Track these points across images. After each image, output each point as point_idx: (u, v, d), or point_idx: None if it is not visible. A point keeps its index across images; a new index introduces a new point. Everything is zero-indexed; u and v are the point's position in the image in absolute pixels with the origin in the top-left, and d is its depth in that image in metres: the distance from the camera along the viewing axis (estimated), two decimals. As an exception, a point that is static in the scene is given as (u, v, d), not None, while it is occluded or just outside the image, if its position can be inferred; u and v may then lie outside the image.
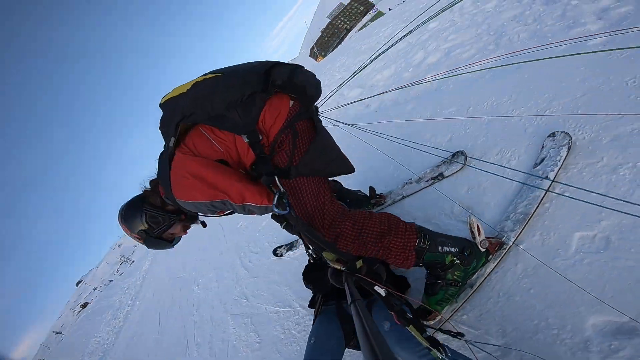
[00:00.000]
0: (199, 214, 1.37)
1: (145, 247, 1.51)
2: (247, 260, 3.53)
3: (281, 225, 1.43)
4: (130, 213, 1.43)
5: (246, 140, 1.19)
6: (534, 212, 1.26)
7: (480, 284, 1.28)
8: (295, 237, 2.76)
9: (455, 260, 1.29)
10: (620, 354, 0.88)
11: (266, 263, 3.07)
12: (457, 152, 1.86)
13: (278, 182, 1.20)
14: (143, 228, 1.42)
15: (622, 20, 1.83)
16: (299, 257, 2.58)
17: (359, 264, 1.22)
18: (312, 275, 1.71)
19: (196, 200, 1.21)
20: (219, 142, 1.23)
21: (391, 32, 6.75)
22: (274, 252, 2.93)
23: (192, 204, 1.23)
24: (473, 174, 1.70)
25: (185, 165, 1.21)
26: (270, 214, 1.24)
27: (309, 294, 1.82)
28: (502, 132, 1.74)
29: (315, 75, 1.35)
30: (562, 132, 1.43)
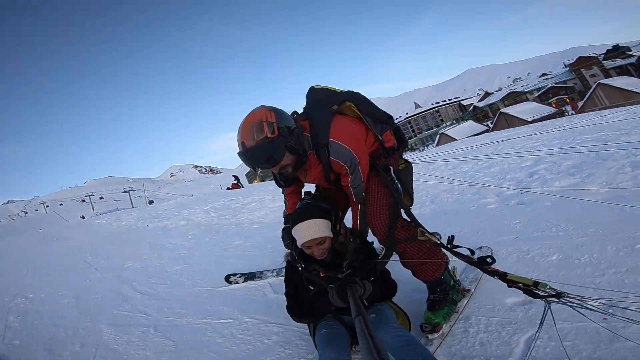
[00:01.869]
0: (323, 159, 1.70)
1: (250, 155, 1.56)
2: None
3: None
4: (284, 113, 1.65)
5: (380, 138, 1.83)
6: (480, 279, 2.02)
7: (462, 309, 1.83)
8: (259, 269, 2.99)
9: (455, 285, 1.84)
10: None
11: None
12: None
13: (393, 173, 1.80)
14: (286, 131, 1.57)
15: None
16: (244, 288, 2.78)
17: (449, 240, 1.64)
18: (301, 308, 1.70)
19: (346, 145, 1.66)
20: (362, 130, 1.82)
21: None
22: (227, 279, 2.94)
23: (340, 146, 1.66)
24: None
25: (352, 123, 1.78)
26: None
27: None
28: None
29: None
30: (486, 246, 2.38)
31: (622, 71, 33.22)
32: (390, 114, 1.93)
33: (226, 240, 4.60)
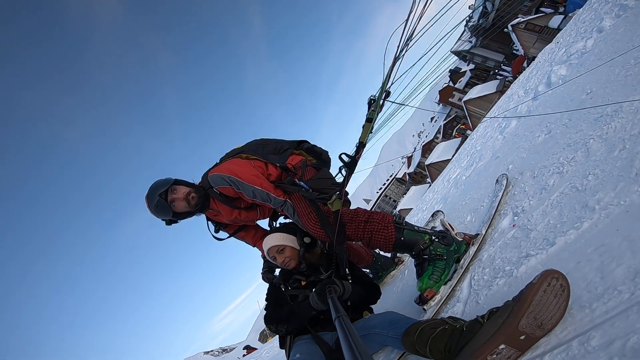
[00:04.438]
0: (213, 190, 2.08)
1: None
2: None
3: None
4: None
5: (279, 165, 2.18)
6: (493, 217, 2.03)
7: (469, 263, 1.67)
8: None
9: (433, 238, 1.71)
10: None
11: None
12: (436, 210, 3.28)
13: (299, 182, 2.04)
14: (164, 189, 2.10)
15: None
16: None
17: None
18: (281, 313, 1.78)
19: (217, 172, 2.02)
20: (256, 166, 2.15)
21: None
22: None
23: (213, 176, 2.03)
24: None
25: (233, 159, 2.16)
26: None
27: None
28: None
29: (328, 151, 2.45)
30: (502, 174, 2.49)
31: (471, 85, 40.77)
32: (301, 139, 2.42)
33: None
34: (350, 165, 1.70)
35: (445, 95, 51.07)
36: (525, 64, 25.89)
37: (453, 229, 1.78)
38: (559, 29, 21.66)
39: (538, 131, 2.87)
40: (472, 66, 42.09)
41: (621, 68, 2.29)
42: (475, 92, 33.31)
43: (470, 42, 40.04)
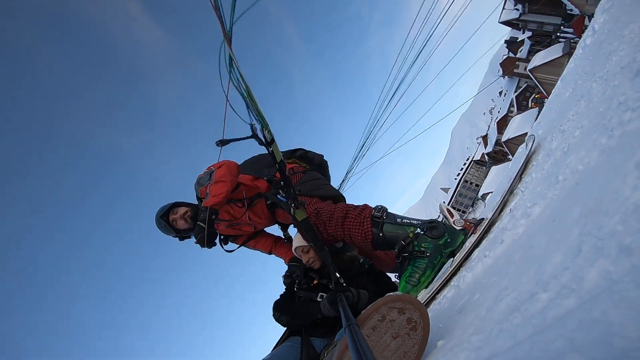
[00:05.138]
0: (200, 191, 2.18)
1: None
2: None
3: None
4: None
5: (265, 178, 2.34)
6: (505, 196, 1.82)
7: (464, 256, 1.43)
8: None
9: (418, 232, 1.53)
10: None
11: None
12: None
13: (282, 190, 1.93)
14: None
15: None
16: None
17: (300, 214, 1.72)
18: (290, 306, 1.76)
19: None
20: (240, 178, 2.27)
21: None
22: None
23: (194, 185, 2.26)
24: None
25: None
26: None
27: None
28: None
29: (322, 155, 2.58)
30: (530, 136, 2.39)
31: (534, 52, 38.64)
32: (297, 148, 2.63)
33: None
34: (286, 183, 1.69)
35: (507, 66, 48.01)
36: (587, 22, 24.32)
37: (452, 216, 1.63)
38: (610, -19, 19.96)
39: (580, 90, 2.55)
40: (529, 33, 39.22)
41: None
42: (540, 58, 31.50)
43: (517, 9, 37.32)
